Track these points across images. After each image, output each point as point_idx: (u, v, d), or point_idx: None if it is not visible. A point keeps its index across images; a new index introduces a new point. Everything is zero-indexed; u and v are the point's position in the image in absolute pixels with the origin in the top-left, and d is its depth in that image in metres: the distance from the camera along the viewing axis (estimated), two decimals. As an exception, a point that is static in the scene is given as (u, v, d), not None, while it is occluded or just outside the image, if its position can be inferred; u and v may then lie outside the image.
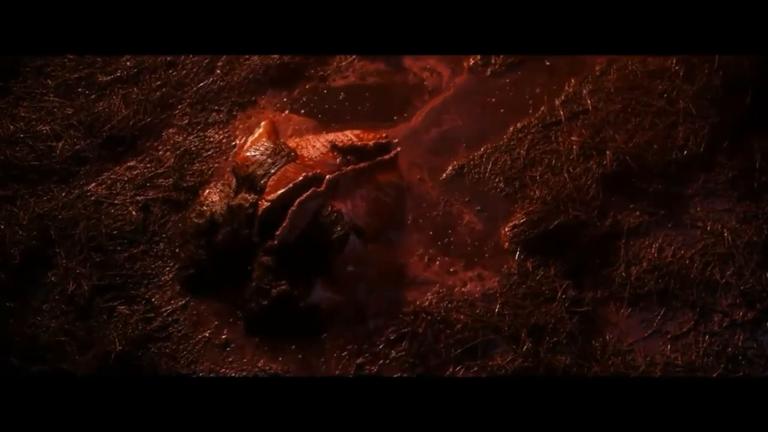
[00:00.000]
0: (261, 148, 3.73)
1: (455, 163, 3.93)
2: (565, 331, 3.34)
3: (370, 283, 3.57)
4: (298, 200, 3.43)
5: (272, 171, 3.59)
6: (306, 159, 3.72)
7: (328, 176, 3.56)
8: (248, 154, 3.75)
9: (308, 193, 3.46)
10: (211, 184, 3.87)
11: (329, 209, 3.49)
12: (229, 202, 3.59)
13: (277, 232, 3.41)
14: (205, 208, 3.65)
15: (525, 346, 3.31)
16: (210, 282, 3.60)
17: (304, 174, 3.56)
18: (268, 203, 3.47)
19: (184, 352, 3.46)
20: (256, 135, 3.94)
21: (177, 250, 3.70)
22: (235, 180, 3.77)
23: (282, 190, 3.49)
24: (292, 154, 3.69)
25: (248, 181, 3.64)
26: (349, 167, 3.69)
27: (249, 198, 3.55)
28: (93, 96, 4.28)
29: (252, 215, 3.49)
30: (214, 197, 3.71)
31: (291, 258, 3.45)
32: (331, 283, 3.52)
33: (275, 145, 3.74)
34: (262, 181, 3.56)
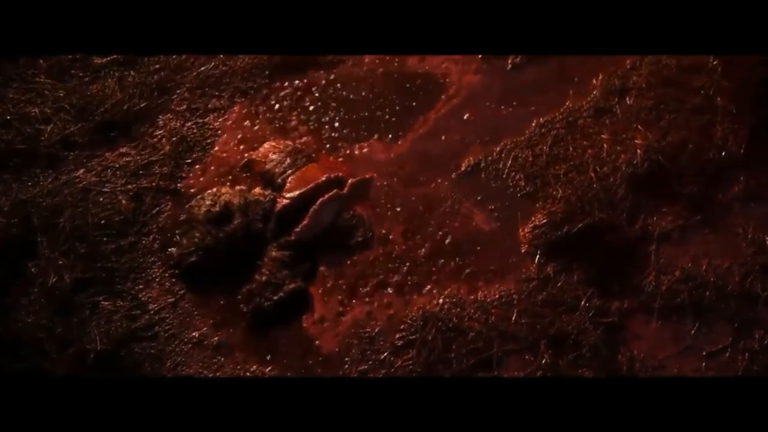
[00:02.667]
0: (280, 146, 3.72)
1: (470, 158, 3.68)
2: (589, 344, 3.09)
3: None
4: (320, 200, 3.44)
5: (291, 170, 3.59)
6: (326, 162, 3.72)
7: (351, 180, 3.58)
8: (266, 151, 3.73)
9: (331, 194, 3.48)
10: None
11: (351, 213, 3.50)
12: (246, 196, 3.53)
13: (296, 229, 3.42)
14: (219, 197, 3.55)
15: (544, 359, 3.06)
16: (211, 273, 3.42)
17: (326, 175, 3.56)
18: (287, 200, 3.50)
19: (171, 354, 3.23)
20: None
21: (177, 237, 3.50)
22: (246, 174, 3.74)
23: (303, 189, 3.52)
24: (313, 155, 3.70)
25: (264, 177, 3.63)
26: (370, 174, 3.68)
27: (266, 193, 3.53)
28: (87, 78, 4.08)
29: (269, 211, 3.48)
30: (228, 188, 3.62)
31: (302, 256, 3.41)
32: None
33: (294, 144, 3.73)
34: (279, 179, 3.57)
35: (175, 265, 3.45)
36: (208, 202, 3.52)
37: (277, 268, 3.36)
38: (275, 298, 3.30)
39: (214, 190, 3.61)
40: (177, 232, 3.53)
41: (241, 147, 3.81)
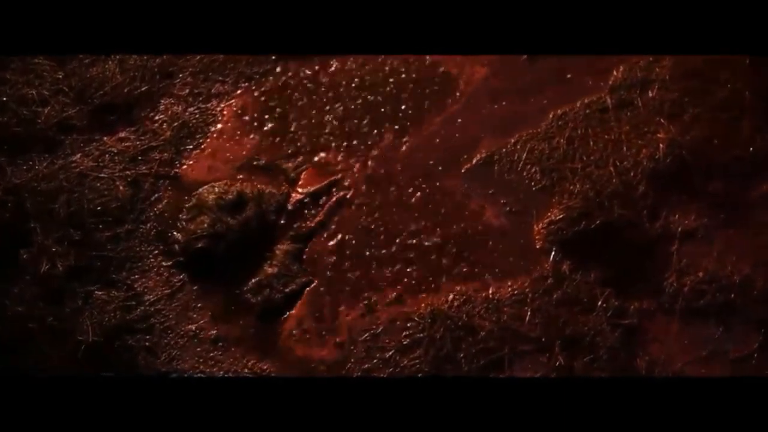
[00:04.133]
0: (293, 140, 3.72)
1: (483, 151, 3.55)
2: (606, 346, 2.97)
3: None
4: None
5: (305, 165, 3.58)
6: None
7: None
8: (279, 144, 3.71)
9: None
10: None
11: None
12: (260, 187, 3.50)
13: (311, 224, 3.43)
14: (230, 186, 3.50)
15: (558, 361, 2.94)
16: (218, 261, 3.31)
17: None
18: (301, 195, 3.50)
19: (166, 347, 3.11)
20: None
21: (183, 223, 3.39)
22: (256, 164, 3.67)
23: (317, 186, 3.52)
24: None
25: (277, 171, 3.60)
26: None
27: (281, 187, 3.54)
28: (87, 60, 3.91)
29: (282, 204, 3.48)
30: (239, 181, 3.57)
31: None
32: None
33: (307, 137, 3.72)
34: (293, 173, 3.57)
35: (181, 251, 3.34)
36: (218, 190, 3.46)
37: (289, 260, 3.31)
38: (287, 290, 3.23)
39: (226, 180, 3.54)
40: (183, 217, 3.43)
41: (245, 135, 3.67)
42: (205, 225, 3.34)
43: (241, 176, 3.55)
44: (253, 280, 3.26)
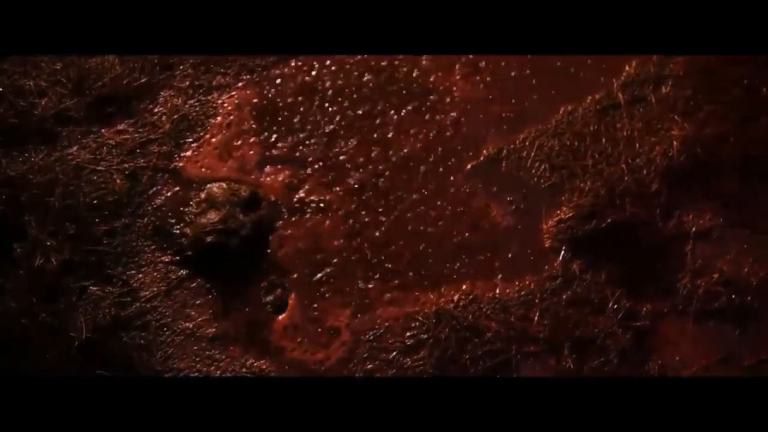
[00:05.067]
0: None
1: (490, 147, 3.48)
2: (616, 348, 2.94)
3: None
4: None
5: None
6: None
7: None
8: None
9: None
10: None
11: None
12: (272, 186, 3.48)
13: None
14: (242, 184, 3.45)
15: (567, 363, 2.90)
16: (227, 257, 3.25)
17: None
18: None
19: (162, 345, 3.06)
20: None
21: (193, 217, 3.32)
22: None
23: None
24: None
25: (283, 169, 3.55)
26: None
27: (287, 186, 3.48)
28: (86, 50, 3.84)
29: (291, 202, 3.44)
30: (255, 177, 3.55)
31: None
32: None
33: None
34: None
35: (190, 245, 3.26)
36: (231, 186, 3.41)
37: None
38: None
39: (238, 177, 3.49)
40: (191, 210, 3.37)
41: (247, 128, 3.59)
42: (216, 220, 3.28)
43: (250, 173, 3.49)
44: (266, 281, 3.22)
